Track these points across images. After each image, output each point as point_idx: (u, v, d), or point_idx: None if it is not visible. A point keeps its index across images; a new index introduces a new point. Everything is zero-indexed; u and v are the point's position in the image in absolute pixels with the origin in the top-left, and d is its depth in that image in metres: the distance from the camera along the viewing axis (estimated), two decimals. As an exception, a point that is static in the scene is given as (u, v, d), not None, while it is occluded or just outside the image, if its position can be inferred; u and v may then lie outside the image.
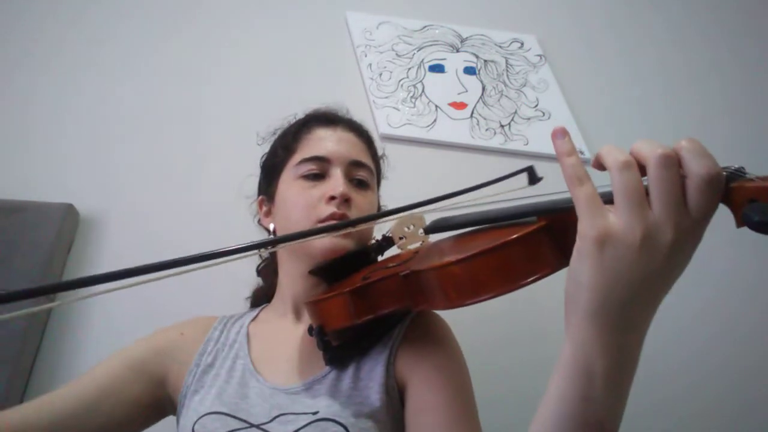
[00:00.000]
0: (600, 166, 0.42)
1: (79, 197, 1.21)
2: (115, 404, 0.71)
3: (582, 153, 1.48)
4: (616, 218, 0.39)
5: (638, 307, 0.39)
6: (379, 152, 0.96)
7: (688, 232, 0.38)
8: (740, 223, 0.37)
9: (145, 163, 1.32)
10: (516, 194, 0.63)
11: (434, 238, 0.74)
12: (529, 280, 0.48)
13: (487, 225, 0.60)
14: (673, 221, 0.37)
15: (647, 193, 0.39)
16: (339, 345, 0.72)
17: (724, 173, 0.38)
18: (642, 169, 0.39)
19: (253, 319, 0.88)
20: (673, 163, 0.38)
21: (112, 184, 1.28)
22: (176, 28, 1.51)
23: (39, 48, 1.43)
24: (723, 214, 0.40)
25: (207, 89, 1.44)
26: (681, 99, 1.66)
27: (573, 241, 0.41)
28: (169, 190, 1.29)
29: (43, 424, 0.66)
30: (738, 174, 0.39)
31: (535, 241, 0.48)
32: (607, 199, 0.40)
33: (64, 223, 1.16)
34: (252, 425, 0.68)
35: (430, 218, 0.73)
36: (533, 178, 0.70)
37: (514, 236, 0.48)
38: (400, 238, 0.78)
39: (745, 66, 1.74)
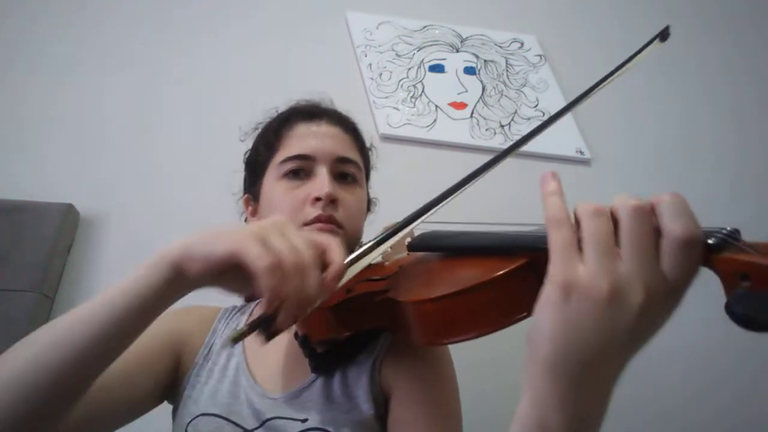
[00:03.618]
0: (577, 222, 0.39)
1: (79, 197, 1.21)
2: (147, 376, 0.70)
3: (581, 153, 1.49)
4: (584, 268, 0.36)
5: (601, 366, 0.37)
6: (367, 143, 0.92)
7: (662, 295, 0.36)
8: (726, 306, 0.32)
9: (146, 163, 1.32)
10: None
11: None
12: (508, 322, 0.45)
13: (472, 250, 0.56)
14: (643, 279, 0.35)
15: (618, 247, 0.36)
16: (324, 352, 0.70)
17: (711, 240, 0.35)
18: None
19: (250, 315, 0.86)
20: (645, 215, 0.36)
21: (112, 184, 1.28)
22: (177, 27, 1.51)
23: (36, 47, 1.43)
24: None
25: (207, 89, 1.43)
26: (684, 98, 1.66)
27: None
28: (169, 189, 1.29)
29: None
30: (729, 239, 0.34)
31: (514, 280, 0.45)
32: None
33: (64, 223, 1.16)
34: (246, 430, 0.68)
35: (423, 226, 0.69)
36: (664, 35, 0.67)
37: (492, 276, 0.45)
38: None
39: (755, 65, 1.75)
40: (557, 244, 0.38)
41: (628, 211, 0.36)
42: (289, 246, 0.47)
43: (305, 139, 0.82)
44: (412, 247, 0.68)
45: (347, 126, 0.88)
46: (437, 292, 0.48)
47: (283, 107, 0.92)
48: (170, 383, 0.75)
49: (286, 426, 0.67)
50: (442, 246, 0.62)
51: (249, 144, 0.96)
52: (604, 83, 0.63)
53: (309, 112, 0.87)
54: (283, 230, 0.49)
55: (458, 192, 0.58)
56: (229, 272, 0.48)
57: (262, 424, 0.68)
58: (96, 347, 0.49)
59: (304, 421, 0.66)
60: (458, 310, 0.47)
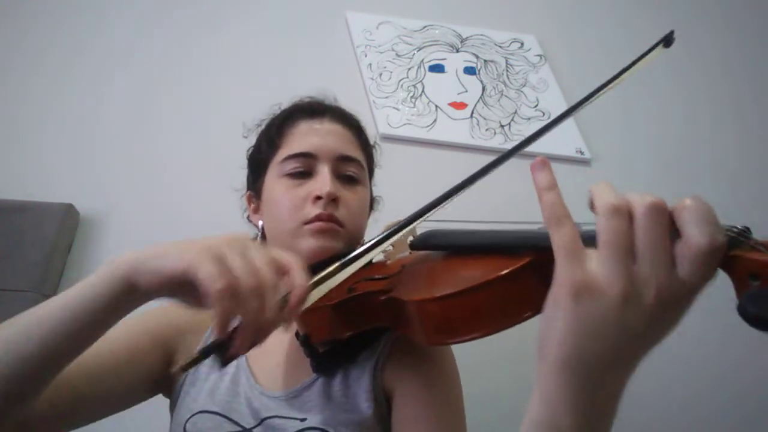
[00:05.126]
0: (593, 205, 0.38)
1: (79, 197, 1.21)
2: (131, 370, 0.69)
3: (581, 153, 1.49)
4: (597, 268, 0.35)
5: (612, 367, 0.36)
6: (371, 141, 0.91)
7: (675, 298, 0.34)
8: (738, 306, 0.32)
9: (146, 163, 1.32)
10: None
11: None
12: (513, 321, 0.44)
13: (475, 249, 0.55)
14: (656, 281, 0.34)
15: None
16: (326, 352, 0.70)
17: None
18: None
19: None
20: (662, 215, 0.35)
21: (112, 184, 1.28)
22: (177, 27, 1.51)
23: (36, 47, 1.43)
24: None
25: (207, 89, 1.44)
26: (684, 98, 1.66)
27: None
28: (169, 189, 1.29)
29: (72, 381, 0.62)
30: (741, 238, 0.34)
31: (519, 279, 0.44)
32: (589, 238, 0.36)
33: (64, 223, 1.16)
34: (244, 429, 0.68)
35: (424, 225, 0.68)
36: (668, 41, 0.65)
37: (496, 275, 0.44)
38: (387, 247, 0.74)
39: (755, 66, 1.74)
40: (561, 245, 0.36)
41: (644, 210, 0.35)
42: (247, 267, 0.45)
43: (307, 136, 0.81)
44: (414, 246, 0.67)
45: (350, 123, 0.86)
46: (440, 291, 0.47)
47: (286, 104, 0.91)
48: (161, 378, 0.74)
49: (285, 425, 0.66)
50: (445, 244, 0.61)
51: (251, 141, 0.96)
52: (605, 89, 0.62)
53: (312, 109, 0.86)
54: (242, 249, 0.47)
55: (460, 192, 0.56)
56: (185, 287, 0.46)
57: (261, 422, 0.68)
58: (50, 350, 0.50)
59: (303, 420, 0.66)
60: (462, 310, 0.46)
